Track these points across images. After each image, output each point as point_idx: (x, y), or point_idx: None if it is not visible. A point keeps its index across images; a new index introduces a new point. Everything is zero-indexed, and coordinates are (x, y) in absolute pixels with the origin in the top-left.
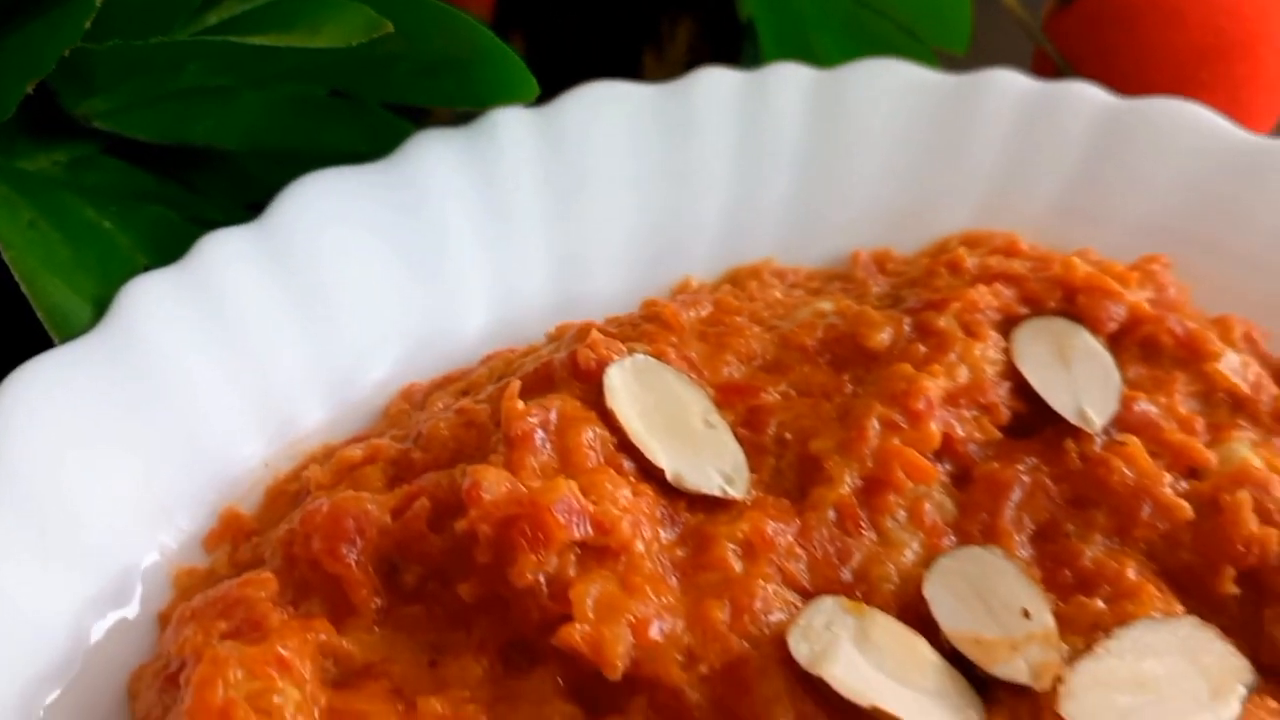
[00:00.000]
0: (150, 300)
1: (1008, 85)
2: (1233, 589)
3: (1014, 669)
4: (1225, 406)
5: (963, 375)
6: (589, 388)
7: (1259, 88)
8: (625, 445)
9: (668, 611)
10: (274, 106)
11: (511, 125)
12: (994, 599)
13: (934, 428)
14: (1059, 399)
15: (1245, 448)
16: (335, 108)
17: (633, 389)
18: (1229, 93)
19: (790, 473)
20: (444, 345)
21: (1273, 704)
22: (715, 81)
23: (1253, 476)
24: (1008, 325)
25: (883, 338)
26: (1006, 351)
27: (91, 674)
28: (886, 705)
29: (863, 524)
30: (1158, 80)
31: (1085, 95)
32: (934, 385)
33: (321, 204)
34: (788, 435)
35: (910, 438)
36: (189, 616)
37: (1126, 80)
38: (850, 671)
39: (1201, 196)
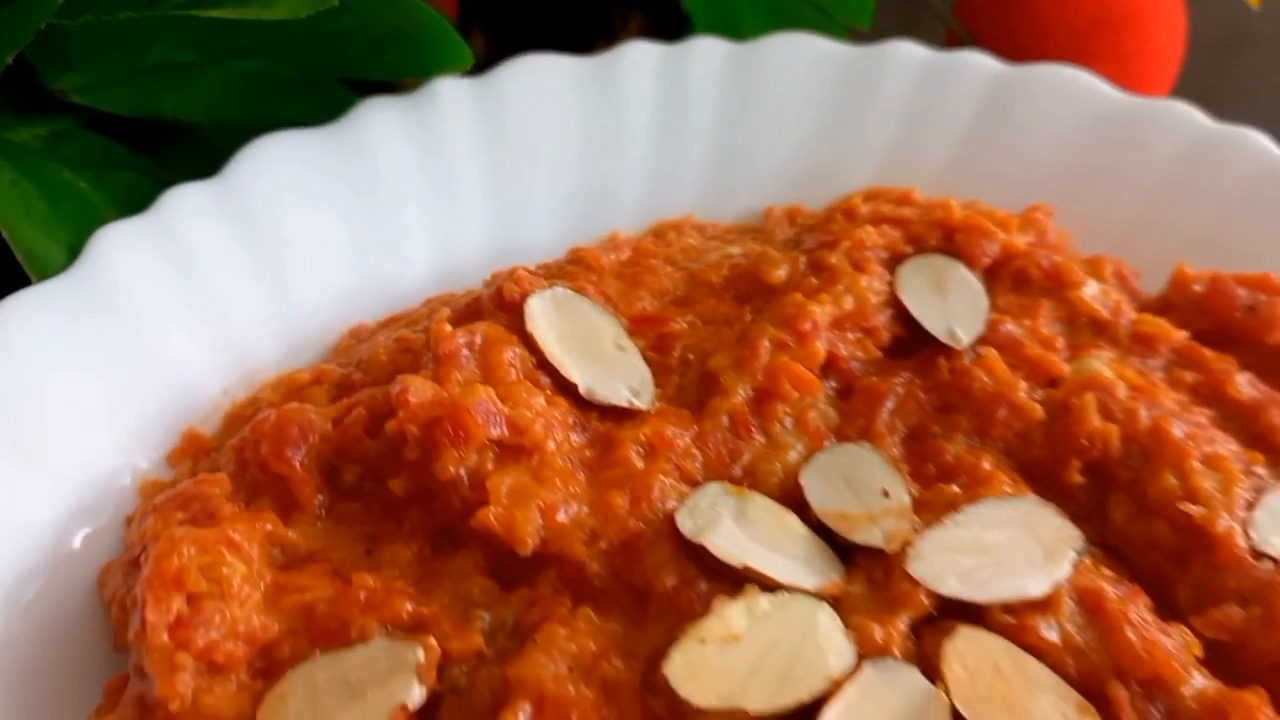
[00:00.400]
0: (117, 246)
1: (906, 55)
2: (1079, 479)
3: (870, 536)
4: (1087, 329)
5: (849, 303)
6: (513, 317)
7: (1149, 57)
8: (543, 364)
9: (574, 499)
10: (236, 82)
11: (450, 92)
12: (859, 483)
13: (819, 346)
14: (933, 322)
15: (1099, 362)
16: (294, 83)
17: (551, 316)
18: (1120, 63)
19: (691, 388)
20: (390, 289)
21: (1108, 572)
22: (641, 53)
23: (1099, 382)
24: (894, 262)
25: (780, 274)
26: (890, 284)
27: (67, 573)
28: (756, 565)
29: (753, 429)
30: (1055, 52)
31: (977, 63)
32: (821, 311)
33: (275, 162)
34: (691, 356)
35: (797, 355)
36: (150, 510)
37: (1026, 53)
38: (728, 540)
39: (1083, 152)
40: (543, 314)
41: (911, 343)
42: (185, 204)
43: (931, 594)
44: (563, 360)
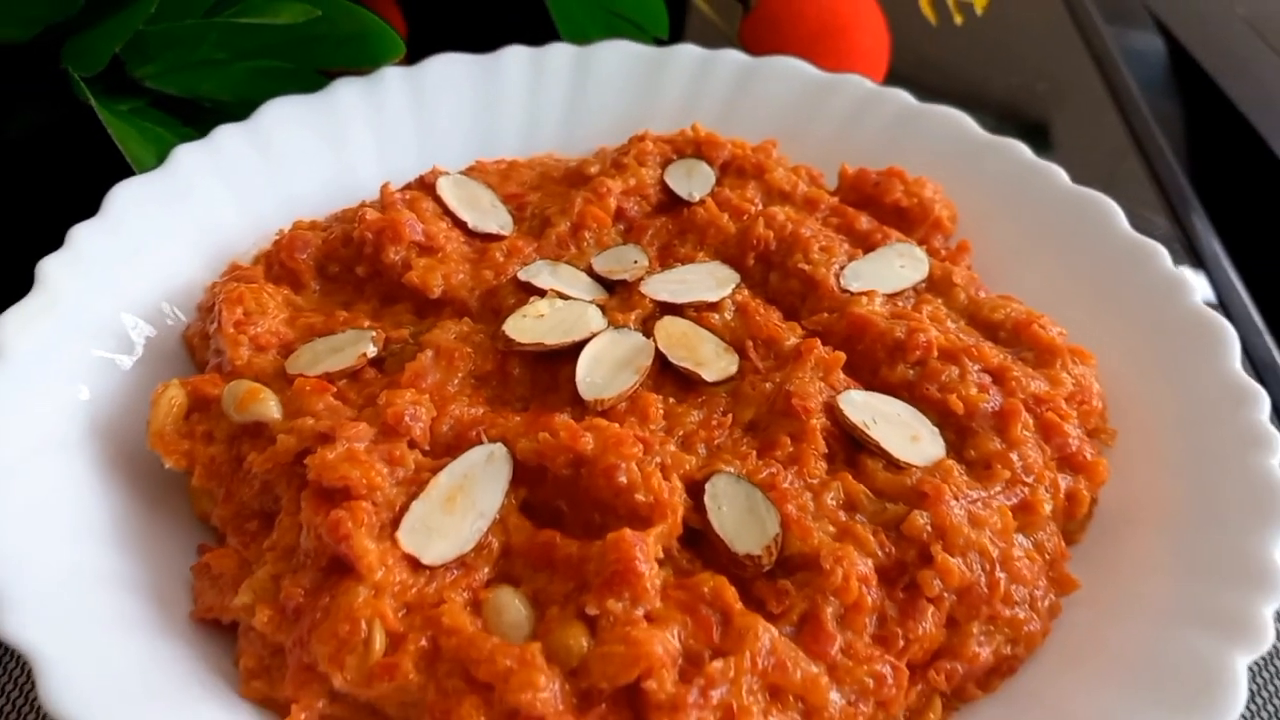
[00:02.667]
0: (184, 157)
1: (686, 53)
2: (753, 263)
3: (623, 276)
4: (778, 196)
5: (633, 182)
6: (430, 190)
7: (858, 57)
8: (447, 213)
9: (462, 272)
10: (253, 73)
11: (394, 79)
12: (624, 259)
13: (611, 202)
14: (681, 189)
15: (775, 207)
16: (287, 74)
17: (453, 188)
18: (838, 60)
19: (536, 227)
20: (355, 190)
21: (760, 300)
22: (515, 54)
23: (769, 213)
24: (666, 163)
25: (594, 169)
26: (661, 173)
27: (166, 332)
28: (559, 289)
29: (571, 243)
30: (792, 52)
31: (733, 57)
32: (614, 183)
33: (280, 119)
34: (537, 211)
35: (598, 206)
36: (217, 284)
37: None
38: (543, 279)
39: (791, 110)
40: (448, 187)
41: (670, 203)
42: (227, 138)
43: (653, 302)
44: (458, 209)
